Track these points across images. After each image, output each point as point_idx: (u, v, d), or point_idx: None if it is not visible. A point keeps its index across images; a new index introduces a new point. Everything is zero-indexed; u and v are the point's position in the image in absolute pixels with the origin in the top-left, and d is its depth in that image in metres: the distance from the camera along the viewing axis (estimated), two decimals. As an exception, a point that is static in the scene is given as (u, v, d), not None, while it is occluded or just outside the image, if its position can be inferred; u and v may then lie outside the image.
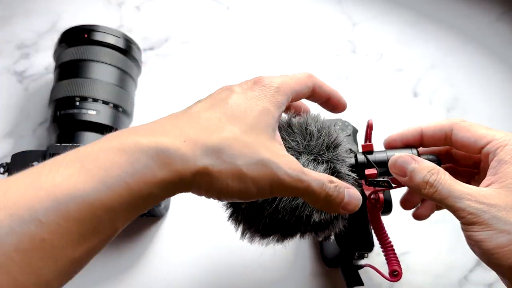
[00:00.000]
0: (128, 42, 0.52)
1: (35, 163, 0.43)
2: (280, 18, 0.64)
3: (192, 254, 0.48)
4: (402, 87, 0.60)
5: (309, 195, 0.29)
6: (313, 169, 0.32)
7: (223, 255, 0.48)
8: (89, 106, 0.47)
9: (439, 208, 0.41)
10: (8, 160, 0.44)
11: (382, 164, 0.35)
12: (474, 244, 0.31)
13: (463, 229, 0.31)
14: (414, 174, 0.32)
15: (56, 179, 0.22)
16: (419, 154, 0.36)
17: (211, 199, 0.28)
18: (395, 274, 0.37)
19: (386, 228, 0.38)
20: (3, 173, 0.43)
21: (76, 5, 0.63)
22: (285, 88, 0.31)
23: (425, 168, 0.32)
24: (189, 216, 0.50)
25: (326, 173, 0.32)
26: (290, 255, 0.49)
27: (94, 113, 0.47)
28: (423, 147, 0.39)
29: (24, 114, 0.55)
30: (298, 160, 0.31)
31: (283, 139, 0.33)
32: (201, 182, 0.26)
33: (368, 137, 0.39)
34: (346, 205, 0.30)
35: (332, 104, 0.36)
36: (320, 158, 0.33)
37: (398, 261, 0.37)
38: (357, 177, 0.35)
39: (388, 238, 0.38)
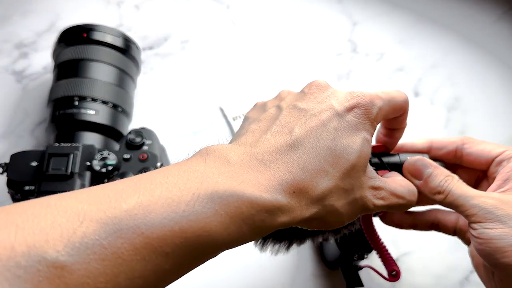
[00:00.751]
0: (127, 41, 0.52)
1: (34, 163, 0.42)
2: (280, 18, 0.64)
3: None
4: (403, 87, 0.60)
5: (386, 208, 0.30)
6: None
7: (223, 255, 0.48)
8: (88, 106, 0.47)
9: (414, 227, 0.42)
10: (7, 160, 0.43)
11: (394, 167, 0.35)
12: (483, 243, 0.30)
13: (472, 227, 0.31)
14: (430, 178, 0.33)
15: (191, 218, 0.23)
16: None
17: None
18: (393, 274, 0.36)
19: (377, 230, 0.38)
20: (1, 173, 0.43)
21: (75, 4, 0.62)
22: (383, 112, 0.31)
23: (442, 174, 0.33)
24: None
25: None
26: (291, 256, 0.48)
27: (93, 113, 0.47)
28: (431, 156, 0.39)
29: (23, 114, 0.55)
30: None
31: None
32: (302, 225, 0.28)
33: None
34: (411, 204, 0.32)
35: (394, 136, 0.36)
36: None
37: (395, 261, 0.37)
38: None
39: (381, 239, 0.38)
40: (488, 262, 0.31)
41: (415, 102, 0.59)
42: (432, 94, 0.60)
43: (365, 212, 0.29)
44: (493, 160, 0.35)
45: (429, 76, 0.61)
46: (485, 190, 0.35)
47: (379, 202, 0.29)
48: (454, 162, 0.38)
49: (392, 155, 0.36)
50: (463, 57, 0.63)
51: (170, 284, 0.24)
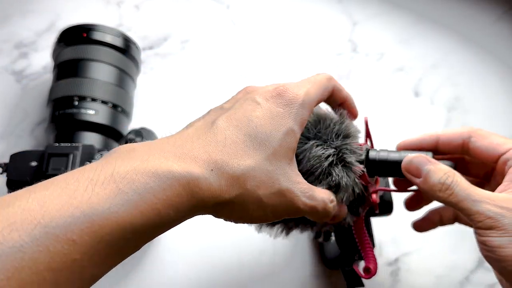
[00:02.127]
0: (127, 41, 0.52)
1: (33, 163, 0.42)
2: (280, 17, 0.64)
3: (192, 254, 0.48)
4: (403, 87, 0.60)
5: (312, 215, 0.31)
6: (321, 152, 0.32)
7: (222, 255, 0.48)
8: (87, 105, 0.47)
9: (442, 223, 0.41)
10: (7, 160, 0.43)
11: (395, 164, 0.35)
12: (490, 250, 0.29)
13: (477, 234, 0.30)
14: (429, 175, 0.32)
15: (92, 200, 0.22)
16: (433, 158, 0.35)
17: (227, 221, 0.29)
18: (367, 270, 0.37)
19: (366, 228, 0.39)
20: (1, 173, 0.43)
21: (75, 4, 0.62)
22: (309, 101, 0.30)
23: (441, 170, 0.32)
24: (188, 216, 0.50)
25: (333, 158, 0.32)
26: (290, 256, 0.48)
27: (93, 112, 0.47)
28: (438, 153, 0.38)
29: (22, 114, 0.55)
30: (305, 144, 0.32)
31: None
32: (223, 210, 0.27)
33: (367, 134, 0.39)
34: (334, 219, 0.33)
35: (346, 109, 0.36)
36: (328, 143, 0.33)
37: (374, 260, 0.37)
38: (363, 170, 0.34)
39: (367, 237, 0.38)
40: (495, 268, 0.30)
41: (415, 102, 0.59)
42: (432, 94, 0.60)
43: (294, 214, 0.29)
44: (499, 156, 0.34)
45: (429, 76, 0.61)
46: (494, 186, 0.34)
47: (309, 202, 0.29)
48: (462, 154, 0.37)
49: (393, 152, 0.36)
50: (463, 57, 0.63)
51: (170, 284, 0.24)
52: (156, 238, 0.50)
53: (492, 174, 0.37)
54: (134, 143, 0.27)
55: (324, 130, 0.33)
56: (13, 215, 0.20)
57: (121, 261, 0.24)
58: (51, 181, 0.23)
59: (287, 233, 0.36)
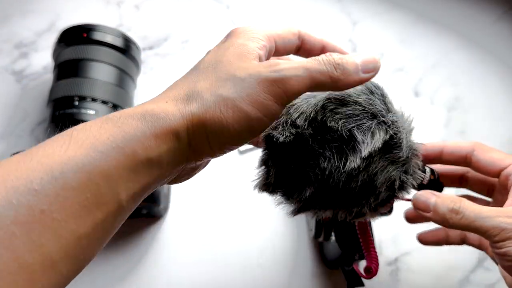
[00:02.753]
0: (127, 41, 0.52)
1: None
2: (280, 17, 0.64)
3: (192, 255, 0.48)
4: (403, 87, 0.60)
5: (310, 87, 0.26)
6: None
7: (223, 255, 0.48)
8: (88, 105, 0.47)
9: (448, 242, 0.42)
10: (7, 160, 0.43)
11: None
12: (510, 260, 0.30)
13: (495, 248, 0.31)
14: (437, 207, 0.33)
15: (47, 150, 0.22)
16: (434, 173, 0.36)
17: (224, 154, 0.27)
18: (368, 270, 0.37)
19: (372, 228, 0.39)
20: (1, 173, 0.43)
21: (75, 4, 0.62)
22: (263, 30, 0.29)
23: (447, 199, 0.33)
24: (188, 216, 0.50)
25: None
26: (291, 255, 0.48)
27: (93, 113, 0.47)
28: (442, 163, 0.40)
29: (23, 114, 0.55)
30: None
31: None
32: (197, 133, 0.25)
33: None
34: (365, 66, 0.27)
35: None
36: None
37: (376, 260, 0.37)
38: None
39: (371, 237, 0.38)
40: None
41: (415, 102, 0.59)
42: (432, 94, 0.60)
43: (267, 90, 0.25)
44: (500, 170, 0.36)
45: (429, 76, 0.61)
46: (499, 200, 0.36)
47: (279, 75, 0.26)
48: (464, 165, 0.39)
49: None
50: (463, 57, 0.63)
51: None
52: (156, 238, 0.51)
53: (494, 190, 0.39)
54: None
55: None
56: None
57: (107, 219, 0.22)
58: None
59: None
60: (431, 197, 0.33)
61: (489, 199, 0.40)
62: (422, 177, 0.32)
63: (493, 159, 0.36)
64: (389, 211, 0.41)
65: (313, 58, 0.27)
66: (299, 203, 0.31)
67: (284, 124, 0.29)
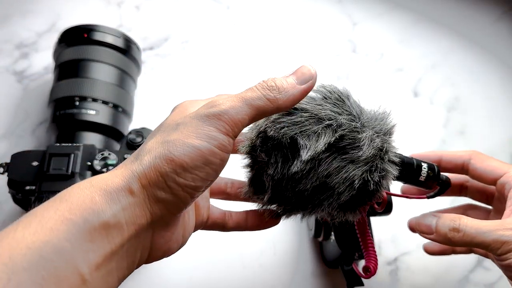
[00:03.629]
0: (128, 41, 0.52)
1: (35, 163, 0.42)
2: (280, 18, 0.64)
3: (192, 254, 0.48)
4: (403, 87, 0.60)
5: (256, 116, 0.27)
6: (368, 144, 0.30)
7: (223, 255, 0.48)
8: (88, 106, 0.47)
9: (455, 252, 0.43)
10: (8, 160, 0.43)
11: (407, 166, 0.35)
12: None
13: (499, 261, 0.32)
14: (438, 228, 0.34)
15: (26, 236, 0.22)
16: (433, 168, 0.36)
17: (192, 198, 0.26)
18: (367, 270, 0.37)
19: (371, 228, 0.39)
20: (2, 173, 0.43)
21: (76, 5, 0.62)
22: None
23: (446, 218, 0.34)
24: (189, 216, 0.50)
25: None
26: (291, 255, 0.49)
27: (93, 113, 0.47)
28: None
29: (24, 114, 0.55)
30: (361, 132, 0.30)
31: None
32: (154, 182, 0.25)
33: None
34: (300, 77, 0.28)
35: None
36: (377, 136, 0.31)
37: (375, 260, 0.37)
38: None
39: (370, 236, 0.38)
40: None
41: (414, 102, 0.59)
42: (432, 94, 0.60)
43: (207, 121, 0.26)
44: (497, 179, 0.37)
45: (429, 76, 0.61)
46: (498, 208, 0.37)
47: (213, 110, 0.26)
48: (462, 173, 0.40)
49: (409, 157, 0.36)
50: (463, 57, 0.63)
51: (170, 284, 0.23)
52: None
53: (493, 198, 0.40)
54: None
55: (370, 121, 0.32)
56: None
57: None
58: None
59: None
60: (432, 219, 0.35)
61: (490, 207, 0.41)
62: (394, 175, 0.32)
63: (489, 167, 0.37)
64: (389, 211, 0.41)
65: (248, 88, 0.28)
66: (264, 206, 0.33)
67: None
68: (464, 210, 0.43)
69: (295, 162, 0.29)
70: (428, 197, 0.37)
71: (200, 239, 0.49)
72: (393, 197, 0.41)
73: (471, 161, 0.39)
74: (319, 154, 0.29)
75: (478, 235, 0.32)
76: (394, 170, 0.32)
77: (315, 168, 0.29)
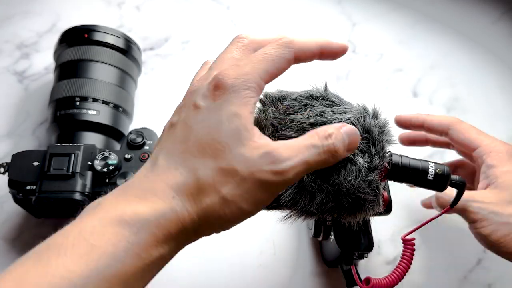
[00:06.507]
0: (128, 42, 0.52)
1: (35, 163, 0.43)
2: (280, 18, 0.64)
3: (192, 254, 0.48)
4: (402, 87, 0.60)
5: (310, 169, 0.27)
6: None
7: (223, 254, 0.48)
8: (89, 106, 0.47)
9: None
10: (8, 160, 0.44)
11: (416, 172, 0.34)
12: (482, 239, 0.37)
13: (471, 228, 0.39)
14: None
15: (66, 264, 0.22)
16: (449, 169, 0.36)
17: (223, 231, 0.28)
18: (367, 282, 0.37)
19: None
20: (3, 173, 0.43)
21: (76, 5, 0.63)
22: (252, 78, 0.28)
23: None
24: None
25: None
26: (290, 254, 0.49)
27: (94, 113, 0.47)
28: (425, 131, 0.46)
29: (24, 114, 0.55)
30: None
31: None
32: (203, 227, 0.27)
33: None
34: (350, 146, 0.29)
35: (328, 55, 0.34)
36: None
37: (396, 279, 0.37)
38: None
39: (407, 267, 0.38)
40: (494, 253, 0.38)
41: (414, 102, 0.59)
42: (431, 94, 0.60)
43: (271, 188, 0.26)
44: (472, 151, 0.42)
45: (428, 77, 0.61)
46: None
47: (282, 166, 0.26)
48: (442, 136, 0.44)
49: (414, 159, 0.35)
50: (463, 57, 0.63)
51: (170, 284, 0.24)
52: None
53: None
54: (101, 197, 0.26)
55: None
56: None
57: None
58: (26, 256, 0.23)
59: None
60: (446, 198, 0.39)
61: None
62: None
63: (465, 140, 0.42)
64: (389, 211, 0.41)
65: (313, 145, 0.27)
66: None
67: None
68: (455, 167, 0.48)
69: None
70: (452, 206, 0.36)
71: (200, 239, 0.49)
72: (392, 198, 0.41)
73: (449, 130, 0.43)
74: None
75: (461, 204, 0.36)
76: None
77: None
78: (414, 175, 0.34)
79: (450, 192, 0.35)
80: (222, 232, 0.50)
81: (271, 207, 0.33)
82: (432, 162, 0.35)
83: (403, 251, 0.38)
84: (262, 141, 0.26)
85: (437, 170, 0.35)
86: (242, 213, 0.27)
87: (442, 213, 0.37)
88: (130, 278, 0.23)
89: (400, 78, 0.61)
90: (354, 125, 0.30)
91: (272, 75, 0.29)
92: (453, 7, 0.66)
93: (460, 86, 0.61)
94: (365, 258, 0.42)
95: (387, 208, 0.40)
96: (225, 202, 0.26)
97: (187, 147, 0.27)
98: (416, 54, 0.62)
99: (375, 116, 0.33)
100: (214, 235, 0.48)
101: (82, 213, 0.25)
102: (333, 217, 0.33)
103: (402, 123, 0.46)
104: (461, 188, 0.35)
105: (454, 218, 0.51)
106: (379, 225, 0.48)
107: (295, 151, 0.26)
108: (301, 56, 0.32)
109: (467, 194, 0.37)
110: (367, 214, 0.33)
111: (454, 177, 0.36)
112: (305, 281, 0.47)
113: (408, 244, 0.38)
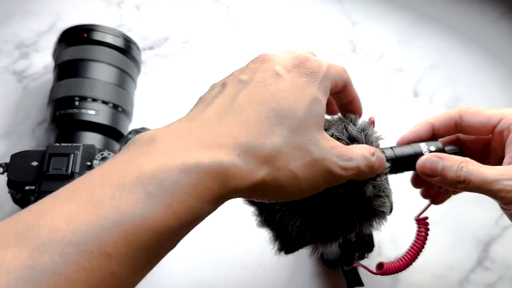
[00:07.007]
0: (128, 41, 0.52)
1: (34, 163, 0.42)
2: (280, 18, 0.64)
3: (192, 254, 0.48)
4: (403, 87, 0.60)
5: (356, 176, 0.29)
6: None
7: (223, 254, 0.48)
8: (88, 106, 0.47)
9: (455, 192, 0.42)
10: (7, 160, 0.43)
11: (412, 158, 0.35)
12: None
13: (505, 209, 0.33)
14: (445, 172, 0.33)
15: (122, 208, 0.20)
16: (443, 146, 0.36)
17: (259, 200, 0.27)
18: (380, 267, 0.37)
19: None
20: (2, 173, 0.43)
21: (76, 5, 0.62)
22: (331, 75, 0.30)
23: (454, 163, 0.33)
24: (189, 216, 0.50)
25: None
26: (291, 255, 0.48)
27: (93, 113, 0.47)
28: (434, 139, 0.39)
29: (23, 114, 0.55)
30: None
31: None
32: (257, 192, 0.26)
33: None
34: (379, 169, 0.31)
35: (352, 109, 0.34)
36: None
37: (400, 266, 0.37)
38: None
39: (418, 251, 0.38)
40: None
41: (414, 102, 0.59)
42: (432, 94, 0.60)
43: (334, 181, 0.27)
44: (493, 128, 0.36)
45: (428, 76, 0.61)
46: (496, 157, 0.36)
47: (348, 164, 0.27)
48: (456, 132, 0.39)
49: (404, 147, 0.36)
50: (463, 57, 0.63)
51: (170, 284, 0.23)
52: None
53: (490, 146, 0.38)
54: (153, 130, 0.25)
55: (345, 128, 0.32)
56: (40, 236, 0.19)
57: (158, 263, 0.23)
58: (74, 190, 0.21)
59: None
60: (438, 161, 0.33)
61: None
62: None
63: (484, 118, 0.36)
64: (389, 211, 0.41)
65: (365, 157, 0.29)
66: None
67: None
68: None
69: None
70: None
71: (200, 238, 0.49)
72: (393, 198, 0.41)
73: (463, 118, 0.37)
74: None
75: (483, 183, 0.31)
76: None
77: None
78: (410, 161, 0.34)
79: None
80: (222, 233, 0.51)
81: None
82: (421, 142, 0.36)
83: (417, 231, 0.38)
84: (332, 142, 0.28)
85: (430, 148, 0.35)
86: (297, 192, 0.27)
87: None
88: (179, 231, 0.22)
89: (400, 78, 0.61)
90: (340, 139, 0.31)
91: (335, 85, 0.31)
92: (453, 7, 0.66)
93: (461, 86, 0.60)
94: (365, 259, 0.42)
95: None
96: (289, 176, 0.26)
97: (264, 109, 0.26)
98: (416, 54, 0.62)
99: (354, 122, 0.33)
100: (214, 234, 0.48)
101: (133, 146, 0.24)
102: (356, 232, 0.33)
103: (411, 141, 0.39)
104: (460, 155, 0.36)
105: (455, 217, 0.51)
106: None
107: (355, 156, 0.28)
108: (345, 89, 0.34)
109: (494, 171, 0.32)
110: (383, 218, 0.33)
111: (448, 148, 0.37)
112: (306, 282, 0.47)
113: (421, 224, 0.38)
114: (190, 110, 0.29)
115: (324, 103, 0.28)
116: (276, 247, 0.33)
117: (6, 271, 0.18)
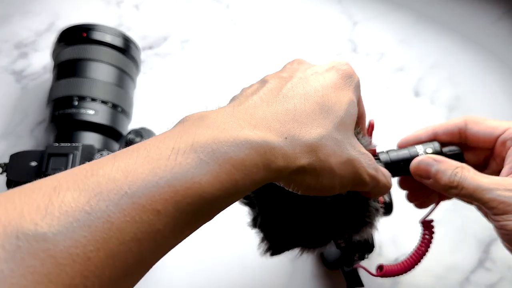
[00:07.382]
0: (127, 41, 0.52)
1: (33, 163, 0.42)
2: (280, 17, 0.64)
3: (192, 255, 0.48)
4: (403, 87, 0.60)
5: (374, 187, 0.29)
6: None
7: (223, 255, 0.48)
8: (87, 105, 0.47)
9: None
10: (6, 160, 0.43)
11: (407, 162, 0.35)
12: (508, 233, 0.31)
13: (494, 220, 0.32)
14: (439, 175, 0.33)
15: (175, 170, 0.21)
16: (441, 148, 0.35)
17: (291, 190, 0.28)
18: (380, 268, 0.37)
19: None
20: (1, 173, 0.43)
21: (75, 4, 0.62)
22: (359, 84, 0.31)
23: (449, 168, 0.33)
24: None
25: None
26: (290, 256, 0.48)
27: (92, 112, 0.47)
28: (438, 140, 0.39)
29: (22, 114, 0.55)
30: None
31: None
32: (295, 179, 0.26)
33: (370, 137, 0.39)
34: (384, 189, 0.31)
35: (358, 124, 0.34)
36: None
37: (410, 264, 0.37)
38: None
39: (422, 254, 0.37)
40: None
41: (415, 102, 0.59)
42: (433, 94, 0.60)
43: (359, 185, 0.28)
44: (496, 138, 0.36)
45: (429, 76, 0.61)
46: (494, 168, 0.36)
47: (374, 173, 0.29)
48: (459, 141, 0.38)
49: (400, 150, 0.36)
50: (463, 57, 0.63)
51: (170, 284, 0.23)
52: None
53: (491, 157, 0.38)
54: (203, 111, 0.26)
55: None
56: (98, 184, 0.20)
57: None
58: (132, 149, 0.23)
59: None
60: (433, 164, 0.33)
61: None
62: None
63: (488, 128, 0.36)
64: (389, 212, 0.41)
65: (376, 169, 0.30)
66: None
67: None
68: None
69: None
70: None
71: (200, 238, 0.49)
72: (393, 199, 0.41)
73: (468, 126, 0.37)
74: None
75: (476, 191, 0.31)
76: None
77: None
78: (406, 164, 0.34)
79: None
80: (222, 232, 0.50)
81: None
82: (418, 145, 0.35)
83: (422, 235, 0.37)
84: (364, 149, 0.29)
85: (426, 150, 0.35)
86: (329, 187, 0.27)
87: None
88: (221, 201, 0.23)
89: (401, 77, 0.61)
90: None
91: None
92: (453, 7, 0.66)
93: (461, 85, 0.60)
94: (365, 259, 0.42)
95: (388, 209, 0.40)
96: (328, 169, 0.26)
97: (309, 101, 0.27)
98: (417, 54, 0.62)
99: None
100: (214, 235, 0.48)
101: (187, 122, 0.25)
102: (345, 238, 0.33)
103: (410, 145, 0.39)
104: (459, 157, 0.35)
105: (456, 218, 0.51)
106: (380, 227, 0.48)
107: (379, 168, 0.30)
108: (358, 102, 0.33)
109: (490, 180, 0.31)
110: (371, 227, 0.33)
111: (447, 149, 0.36)
112: (306, 282, 0.47)
113: (426, 227, 0.37)
114: (232, 99, 0.30)
115: (357, 108, 0.29)
116: (263, 248, 0.33)
117: (65, 212, 0.19)
